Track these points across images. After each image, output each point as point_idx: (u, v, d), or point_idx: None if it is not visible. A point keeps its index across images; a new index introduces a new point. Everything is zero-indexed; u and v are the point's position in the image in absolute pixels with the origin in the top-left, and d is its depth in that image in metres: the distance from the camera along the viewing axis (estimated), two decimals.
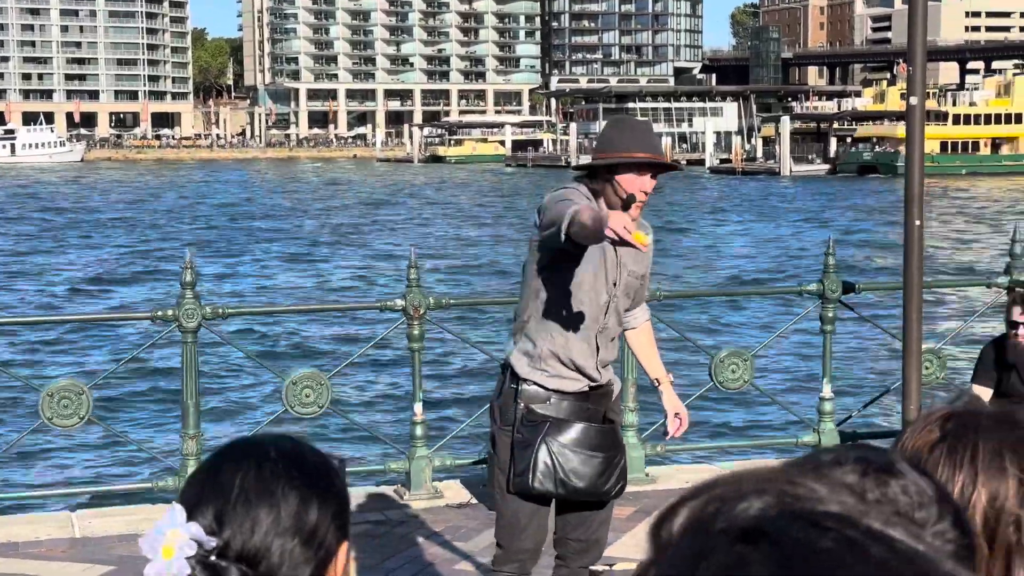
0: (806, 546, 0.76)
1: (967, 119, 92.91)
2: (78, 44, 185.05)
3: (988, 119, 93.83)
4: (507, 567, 4.84)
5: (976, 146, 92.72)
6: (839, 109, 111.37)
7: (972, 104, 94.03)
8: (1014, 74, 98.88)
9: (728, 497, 0.81)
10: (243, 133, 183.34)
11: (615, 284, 4.68)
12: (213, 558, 1.59)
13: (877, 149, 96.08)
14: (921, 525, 1.31)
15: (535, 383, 4.65)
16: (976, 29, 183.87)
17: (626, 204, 4.49)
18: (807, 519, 0.78)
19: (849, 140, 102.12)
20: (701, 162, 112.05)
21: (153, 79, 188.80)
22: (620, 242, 3.90)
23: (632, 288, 4.77)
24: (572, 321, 4.62)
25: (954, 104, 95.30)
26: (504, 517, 4.82)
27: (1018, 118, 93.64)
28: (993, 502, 1.69)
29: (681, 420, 4.87)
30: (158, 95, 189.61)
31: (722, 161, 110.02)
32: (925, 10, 7.38)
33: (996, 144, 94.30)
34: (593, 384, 4.71)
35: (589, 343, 4.66)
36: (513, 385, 4.70)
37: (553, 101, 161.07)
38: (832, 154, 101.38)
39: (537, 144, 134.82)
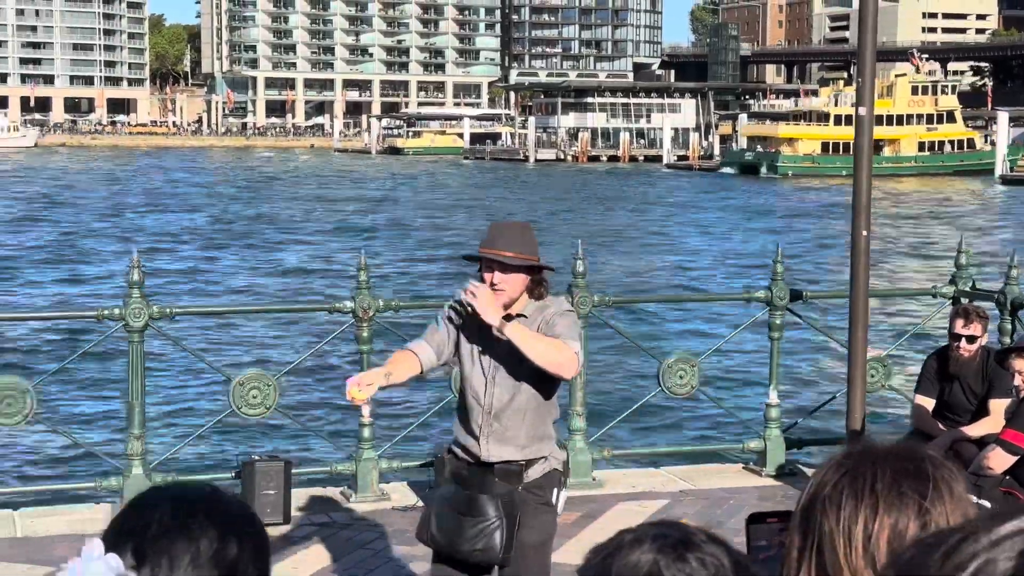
0: None
1: (848, 120, 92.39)
2: (34, 28, 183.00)
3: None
4: None
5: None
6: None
7: (854, 105, 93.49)
8: (896, 75, 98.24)
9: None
10: (199, 121, 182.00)
11: (489, 374, 5.02)
12: None
13: (759, 149, 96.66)
14: None
15: (448, 450, 5.24)
16: (932, 30, 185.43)
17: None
18: None
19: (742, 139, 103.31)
20: (658, 158, 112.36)
21: (109, 64, 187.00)
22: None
23: (513, 364, 4.95)
24: (462, 406, 5.17)
25: (836, 104, 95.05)
26: None
27: (899, 119, 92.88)
28: (894, 531, 1.72)
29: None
30: (114, 81, 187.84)
31: (679, 158, 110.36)
32: (875, 24, 7.44)
33: (878, 145, 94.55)
34: (475, 458, 5.05)
35: (475, 424, 5.05)
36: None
37: (512, 94, 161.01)
38: (719, 153, 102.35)
39: (495, 137, 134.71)
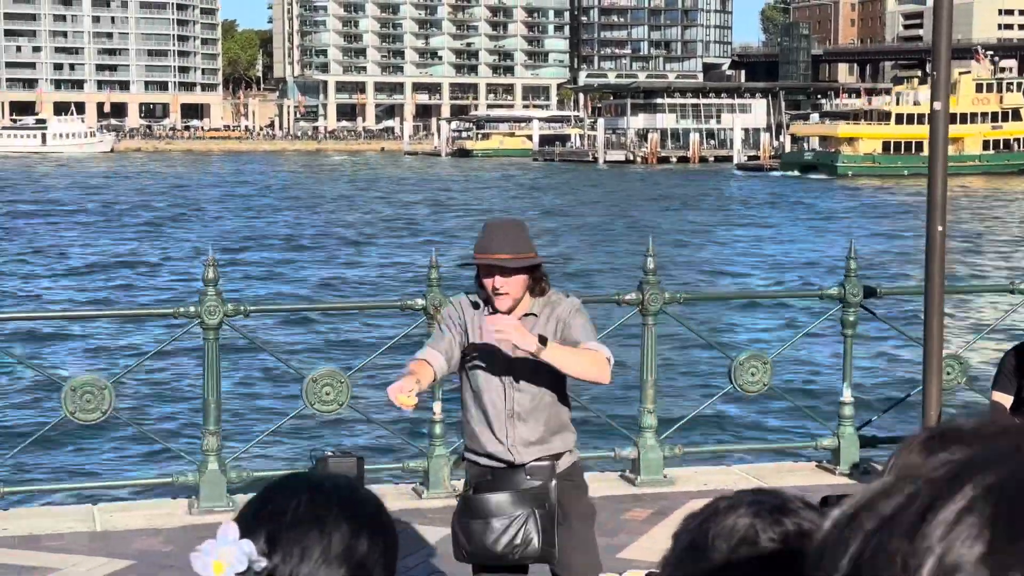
0: None
1: (910, 119, 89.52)
2: (109, 35, 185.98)
3: None
4: None
5: (919, 147, 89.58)
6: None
7: (916, 104, 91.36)
8: (960, 73, 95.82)
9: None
10: (272, 125, 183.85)
11: (507, 379, 4.94)
12: None
13: (818, 148, 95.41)
14: None
15: (467, 460, 5.17)
16: (1008, 27, 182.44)
17: (491, 300, 4.91)
18: None
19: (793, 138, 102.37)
20: (729, 159, 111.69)
21: (183, 70, 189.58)
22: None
23: (530, 367, 4.87)
24: (479, 412, 5.03)
25: (898, 103, 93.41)
26: None
27: (962, 118, 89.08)
28: None
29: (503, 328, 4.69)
30: (188, 86, 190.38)
31: (750, 158, 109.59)
32: (950, 17, 7.36)
33: None
34: (505, 462, 4.98)
35: (497, 429, 4.97)
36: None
37: (581, 96, 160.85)
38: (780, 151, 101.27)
39: (564, 139, 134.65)
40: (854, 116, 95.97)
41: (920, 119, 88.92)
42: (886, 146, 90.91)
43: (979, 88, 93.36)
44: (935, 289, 7.48)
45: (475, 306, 5.02)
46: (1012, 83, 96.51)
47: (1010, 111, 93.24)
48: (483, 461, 5.03)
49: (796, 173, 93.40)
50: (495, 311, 4.93)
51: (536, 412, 4.96)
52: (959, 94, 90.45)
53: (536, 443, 4.97)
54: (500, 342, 4.82)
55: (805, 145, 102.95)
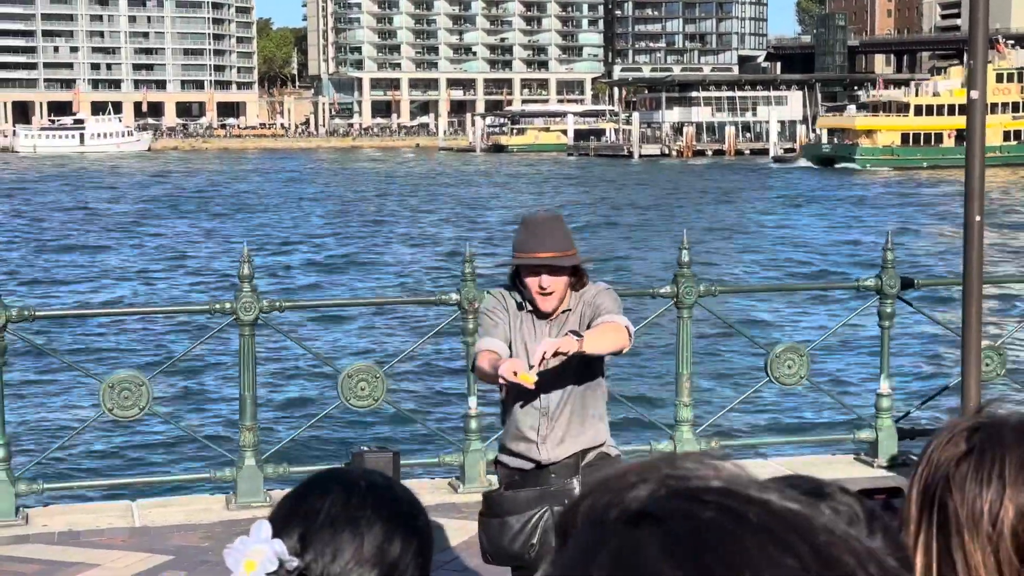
0: (689, 520, 0.80)
1: (930, 110, 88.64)
2: (146, 35, 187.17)
3: (952, 110, 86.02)
4: None
5: (939, 138, 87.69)
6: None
7: (936, 95, 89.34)
8: None
9: (616, 488, 0.85)
10: (307, 122, 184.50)
11: (542, 376, 4.76)
12: None
13: (835, 141, 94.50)
14: None
15: (498, 462, 5.09)
16: None
17: (531, 301, 4.82)
18: (687, 496, 0.83)
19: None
20: (765, 151, 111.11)
21: (219, 69, 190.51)
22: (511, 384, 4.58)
23: (562, 363, 4.76)
24: (514, 410, 4.93)
25: (917, 94, 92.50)
26: None
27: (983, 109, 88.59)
28: (1021, 516, 1.67)
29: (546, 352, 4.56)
30: (224, 85, 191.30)
31: (786, 151, 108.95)
32: (987, 6, 7.28)
33: (961, 135, 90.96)
34: (537, 462, 4.90)
35: (530, 428, 4.88)
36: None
37: (616, 90, 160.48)
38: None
39: (600, 133, 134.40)
40: (873, 108, 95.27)
41: (939, 110, 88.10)
42: (904, 138, 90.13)
43: (999, 78, 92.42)
44: (973, 278, 7.42)
45: (519, 307, 4.91)
46: None
47: None
48: (513, 463, 4.96)
49: (810, 165, 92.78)
50: (535, 310, 4.88)
51: (569, 405, 4.89)
52: None
53: (566, 440, 4.89)
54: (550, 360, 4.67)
55: (841, 138, 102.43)
